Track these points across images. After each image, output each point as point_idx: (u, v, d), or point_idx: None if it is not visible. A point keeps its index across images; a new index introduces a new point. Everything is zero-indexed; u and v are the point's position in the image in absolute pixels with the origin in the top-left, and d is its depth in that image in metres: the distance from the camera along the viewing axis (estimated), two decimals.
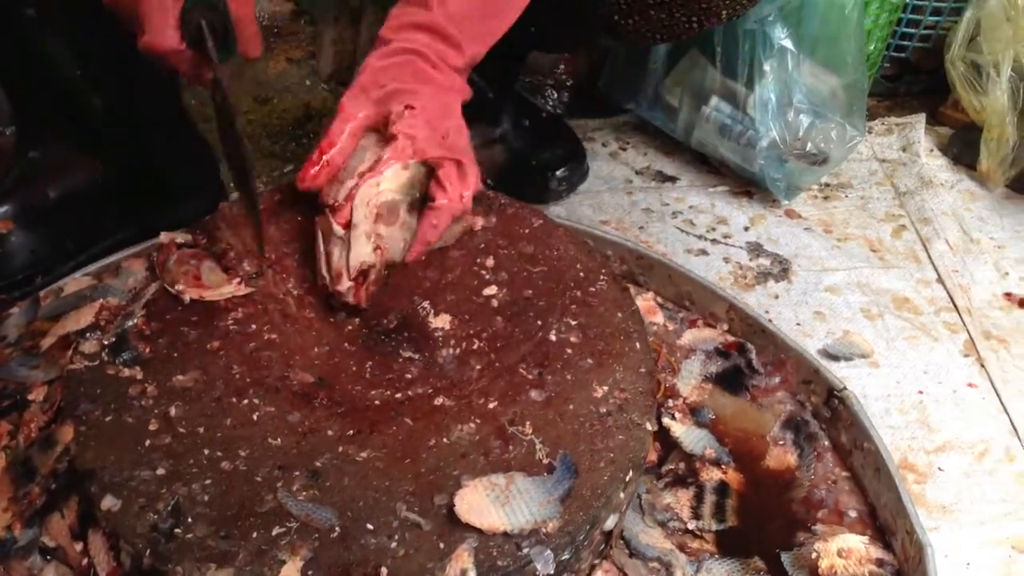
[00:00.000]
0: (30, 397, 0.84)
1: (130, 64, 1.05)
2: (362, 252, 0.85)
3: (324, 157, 0.87)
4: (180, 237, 0.93)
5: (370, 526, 0.70)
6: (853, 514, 0.86)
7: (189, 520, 0.70)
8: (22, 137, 1.08)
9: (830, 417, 0.93)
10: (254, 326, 0.87)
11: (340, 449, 0.76)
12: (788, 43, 1.23)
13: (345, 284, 0.85)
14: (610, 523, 0.77)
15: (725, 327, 1.03)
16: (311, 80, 1.57)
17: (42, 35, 0.99)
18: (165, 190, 1.16)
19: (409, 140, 0.87)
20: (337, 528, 0.70)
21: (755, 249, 1.25)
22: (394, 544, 0.69)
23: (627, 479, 0.76)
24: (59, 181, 1.08)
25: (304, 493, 0.72)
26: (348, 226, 0.85)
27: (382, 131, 0.90)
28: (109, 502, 0.71)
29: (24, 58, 1.01)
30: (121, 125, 1.08)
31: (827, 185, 1.37)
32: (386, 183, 0.86)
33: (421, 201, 0.90)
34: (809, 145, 1.26)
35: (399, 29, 0.91)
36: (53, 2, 0.97)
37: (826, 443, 0.92)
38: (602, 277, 0.94)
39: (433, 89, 0.90)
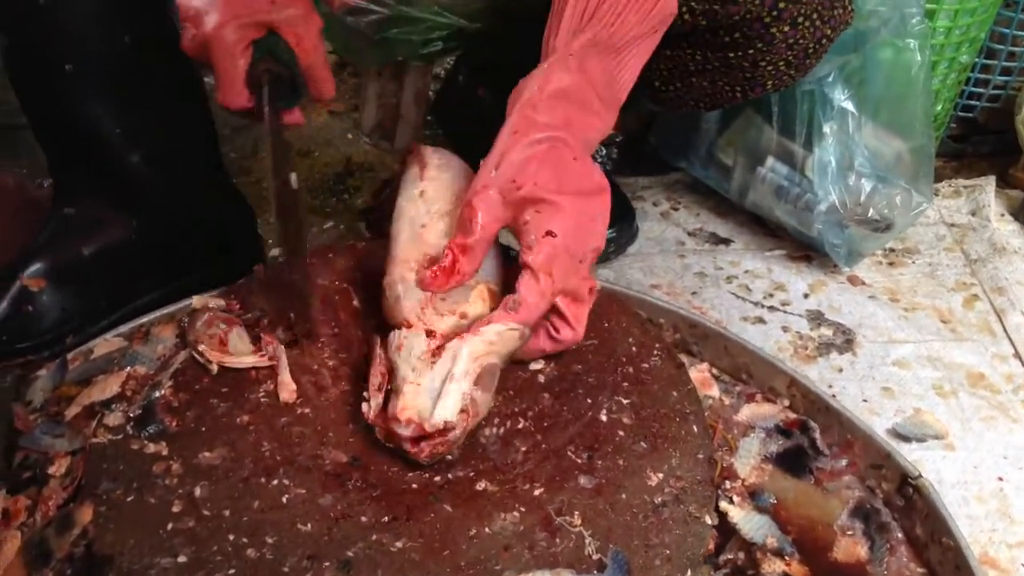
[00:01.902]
0: (51, 470, 0.80)
1: (168, 120, 1.04)
2: (450, 409, 0.75)
3: (458, 267, 0.81)
4: (212, 302, 0.89)
5: None
6: None
7: None
8: (57, 192, 1.06)
9: (903, 506, 0.87)
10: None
11: (374, 537, 0.71)
12: (849, 104, 1.18)
13: (409, 417, 0.75)
14: None
15: (786, 403, 0.98)
16: (353, 133, 1.55)
17: (80, 91, 0.97)
18: (202, 248, 1.13)
19: (547, 281, 0.79)
20: None
21: (816, 318, 1.19)
22: None
23: None
24: (93, 238, 1.05)
25: None
26: (433, 356, 0.78)
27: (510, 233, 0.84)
28: None
29: (61, 113, 0.99)
30: (158, 182, 1.05)
31: (892, 250, 1.32)
32: (500, 343, 0.79)
33: None
34: (871, 211, 1.22)
35: (546, 98, 0.82)
36: (92, 59, 0.95)
37: (899, 535, 0.86)
38: (656, 352, 0.90)
39: (574, 199, 0.81)
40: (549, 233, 0.79)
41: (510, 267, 0.86)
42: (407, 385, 0.76)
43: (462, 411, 0.75)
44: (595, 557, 0.70)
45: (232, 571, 0.68)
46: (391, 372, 0.79)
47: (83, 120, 0.99)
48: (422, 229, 0.86)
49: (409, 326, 0.80)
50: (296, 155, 1.47)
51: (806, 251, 1.30)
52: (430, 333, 0.79)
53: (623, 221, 1.28)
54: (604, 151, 1.50)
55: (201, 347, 0.84)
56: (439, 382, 0.76)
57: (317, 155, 1.49)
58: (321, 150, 1.50)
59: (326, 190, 1.42)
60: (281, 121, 0.87)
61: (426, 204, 0.88)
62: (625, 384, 0.86)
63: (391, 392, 0.78)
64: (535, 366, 0.88)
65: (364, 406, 0.78)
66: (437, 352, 0.78)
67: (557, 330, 0.84)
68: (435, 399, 0.75)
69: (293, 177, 0.87)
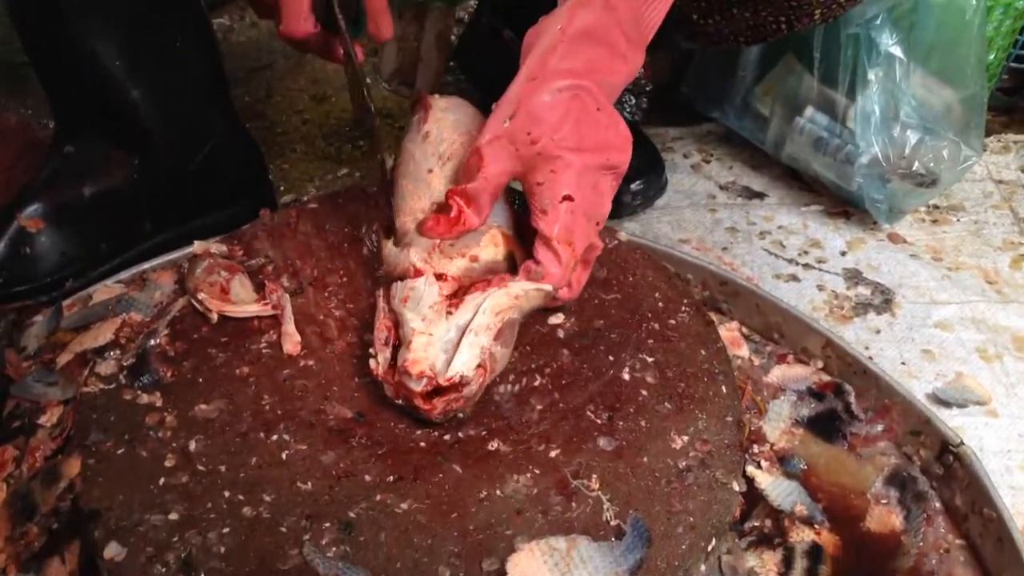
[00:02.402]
0: (41, 420, 0.77)
1: (172, 56, 1.00)
2: (467, 362, 0.70)
3: (463, 219, 0.75)
4: (215, 247, 0.85)
5: None
6: None
7: None
8: (58, 130, 1.03)
9: (943, 475, 0.84)
10: None
11: (378, 498, 0.68)
12: (897, 50, 1.12)
13: (421, 369, 0.70)
14: None
15: (819, 364, 0.94)
16: (372, 78, 1.50)
17: (79, 23, 0.93)
18: (209, 192, 1.09)
19: (568, 252, 0.75)
20: None
21: (853, 276, 1.14)
22: None
23: (709, 548, 0.68)
24: (94, 179, 1.01)
25: (334, 549, 0.65)
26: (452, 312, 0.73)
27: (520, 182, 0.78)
28: (114, 550, 0.64)
29: (60, 46, 0.95)
30: (160, 120, 1.01)
31: (935, 207, 1.26)
32: (524, 299, 0.75)
33: None
34: (916, 164, 1.16)
35: (569, 42, 0.76)
36: None
37: (937, 505, 0.83)
38: (684, 308, 0.86)
39: (595, 155, 0.76)
40: (567, 198, 0.74)
41: (517, 210, 0.82)
42: (417, 336, 0.71)
43: (479, 366, 0.71)
44: (613, 523, 0.67)
45: (226, 530, 0.65)
46: (397, 324, 0.75)
47: (82, 54, 0.95)
48: (428, 175, 0.80)
49: (417, 273, 0.75)
50: (312, 101, 1.43)
51: (844, 207, 1.25)
52: (440, 276, 0.74)
53: (651, 173, 1.23)
54: (633, 100, 1.45)
55: (201, 295, 0.80)
56: (454, 333, 0.71)
57: (334, 100, 1.45)
58: (338, 95, 1.46)
59: (342, 136, 1.38)
60: (354, 43, 0.83)
61: (431, 146, 0.82)
62: (650, 341, 0.83)
63: (398, 346, 0.73)
64: (554, 320, 0.84)
65: (371, 362, 0.74)
66: (451, 299, 0.73)
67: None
68: (449, 351, 0.71)
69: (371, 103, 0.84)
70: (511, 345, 0.76)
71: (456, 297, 0.74)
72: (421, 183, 0.80)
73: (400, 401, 0.72)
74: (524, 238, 0.80)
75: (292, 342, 0.79)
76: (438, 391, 0.70)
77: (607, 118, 0.77)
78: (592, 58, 0.76)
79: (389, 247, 0.79)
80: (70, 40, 0.94)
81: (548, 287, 0.75)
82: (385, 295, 0.77)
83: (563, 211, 0.74)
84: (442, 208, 0.76)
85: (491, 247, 0.78)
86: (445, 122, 0.84)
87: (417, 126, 0.86)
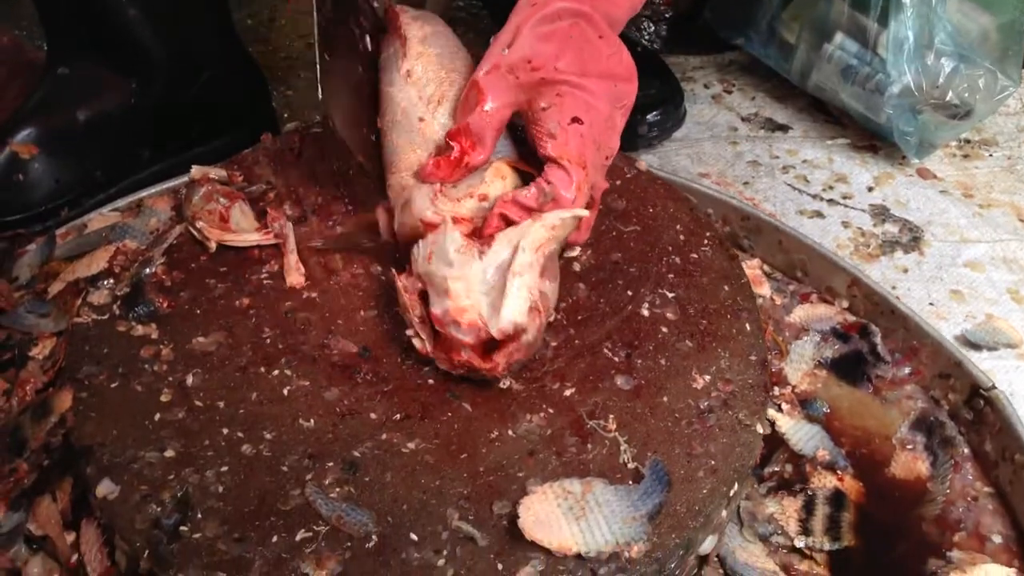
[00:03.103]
0: (33, 352, 0.74)
1: None
2: (519, 308, 0.65)
3: (466, 158, 0.71)
4: (214, 173, 0.82)
5: (414, 536, 0.61)
6: (998, 539, 0.75)
7: (198, 516, 0.61)
8: (51, 51, 0.99)
9: (972, 420, 0.82)
10: None
11: (384, 437, 0.67)
12: None
13: (472, 320, 0.65)
14: (707, 546, 0.67)
15: (844, 304, 0.92)
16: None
17: None
18: (209, 118, 1.05)
19: (581, 174, 0.70)
20: (374, 536, 0.61)
21: (880, 213, 1.10)
22: (441, 561, 0.59)
23: (731, 494, 0.66)
24: (89, 102, 0.97)
25: (337, 489, 0.63)
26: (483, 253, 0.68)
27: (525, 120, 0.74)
28: (106, 488, 0.63)
29: None
30: (158, 41, 0.97)
31: (967, 141, 1.22)
32: (559, 228, 0.69)
33: None
34: (950, 95, 1.11)
35: None
36: None
37: (966, 451, 0.81)
38: (706, 241, 0.84)
39: (600, 83, 0.73)
40: (576, 120, 0.70)
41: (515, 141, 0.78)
42: (453, 282, 0.66)
43: (532, 308, 0.66)
44: (631, 466, 0.66)
45: (224, 468, 0.64)
46: (427, 286, 0.69)
47: None
48: (420, 124, 0.75)
49: (431, 227, 0.70)
50: (307, 48, 1.38)
51: (871, 140, 1.21)
52: (457, 220, 0.70)
53: (670, 103, 1.19)
54: (652, 28, 1.41)
55: (199, 223, 0.77)
56: (492, 273, 0.67)
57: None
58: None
59: None
60: None
61: (417, 88, 0.77)
62: (670, 276, 0.80)
63: (432, 304, 0.69)
64: (570, 253, 0.82)
65: (416, 342, 0.69)
66: (475, 237, 0.69)
67: None
68: (492, 295, 0.66)
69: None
70: (557, 279, 0.71)
71: (474, 237, 0.69)
72: (413, 134, 0.75)
73: (460, 371, 0.68)
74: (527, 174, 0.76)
75: (296, 274, 0.76)
76: (494, 344, 0.66)
77: (609, 47, 0.74)
78: None
79: (395, 210, 0.74)
80: None
81: (583, 212, 0.70)
82: (407, 272, 0.72)
83: (572, 133, 0.70)
84: (442, 150, 0.73)
85: (498, 181, 0.73)
86: (428, 57, 0.79)
87: (395, 62, 0.80)
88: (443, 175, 0.72)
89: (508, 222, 0.70)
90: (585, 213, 0.71)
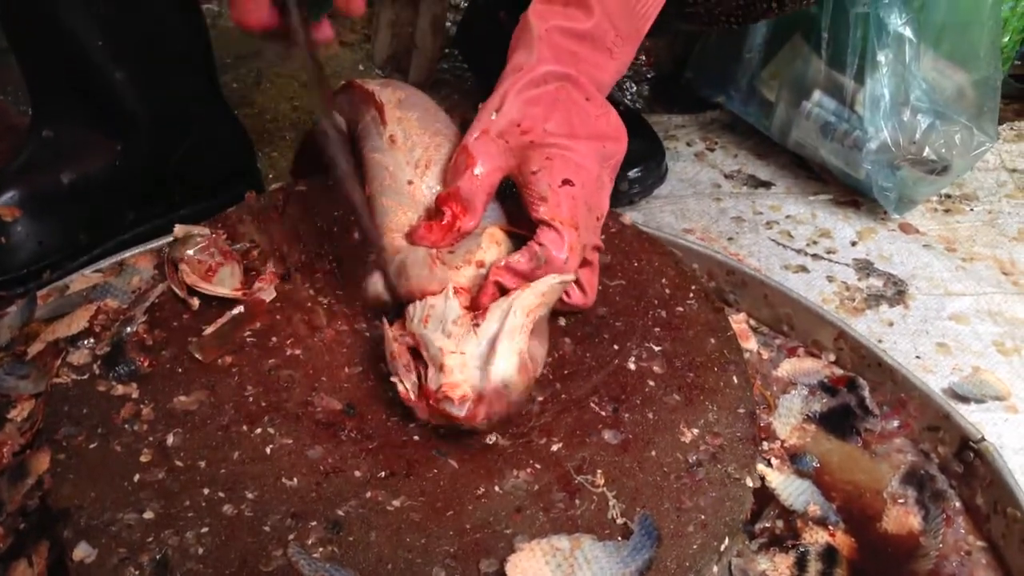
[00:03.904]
0: (12, 414, 0.73)
1: (158, 36, 0.97)
2: (509, 365, 0.66)
3: (458, 223, 0.71)
4: (197, 231, 0.81)
5: None
6: None
7: None
8: (35, 113, 0.99)
9: (962, 472, 0.81)
10: (275, 339, 0.77)
11: (368, 495, 0.66)
12: (907, 31, 1.09)
13: (463, 393, 0.65)
14: None
15: (831, 358, 0.92)
16: (365, 65, 1.48)
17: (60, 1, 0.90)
18: (194, 180, 1.05)
19: (574, 236, 0.70)
20: None
21: (864, 267, 1.11)
22: None
23: (722, 548, 0.65)
24: (74, 164, 0.97)
25: (321, 549, 0.62)
26: (478, 324, 0.68)
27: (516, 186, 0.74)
28: (83, 551, 0.61)
29: (39, 22, 0.92)
30: (144, 103, 0.98)
31: (948, 196, 1.24)
32: (549, 293, 0.70)
33: None
34: (927, 150, 1.13)
35: (553, 34, 0.74)
36: None
37: (957, 504, 0.81)
38: (691, 295, 0.84)
39: (589, 144, 0.74)
40: (567, 182, 0.71)
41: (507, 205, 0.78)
42: (449, 356, 0.67)
43: (521, 368, 0.67)
44: (620, 521, 0.65)
45: (205, 529, 0.62)
46: (417, 348, 0.69)
47: (62, 30, 0.92)
48: (409, 187, 0.76)
49: (432, 293, 0.70)
50: (303, 88, 1.41)
51: (853, 196, 1.23)
52: (457, 290, 0.70)
53: (651, 160, 1.20)
54: (634, 88, 1.42)
55: (182, 267, 0.76)
56: (486, 346, 0.67)
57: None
58: (330, 82, 1.41)
59: None
60: (313, 38, 0.76)
61: (403, 153, 0.78)
62: (656, 329, 0.80)
63: (424, 368, 0.69)
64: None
65: (400, 388, 0.69)
66: (472, 311, 0.69)
67: (567, 294, 0.76)
68: (485, 362, 0.66)
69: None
70: (546, 344, 0.72)
71: (471, 308, 0.70)
72: (403, 196, 0.75)
73: (439, 422, 0.68)
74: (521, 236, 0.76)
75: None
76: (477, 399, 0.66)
77: (596, 109, 0.75)
78: (577, 51, 0.74)
79: (377, 277, 0.74)
80: (47, 13, 0.91)
81: (570, 276, 0.71)
82: (400, 322, 0.72)
83: (564, 196, 0.70)
84: (433, 215, 0.73)
85: (493, 247, 0.73)
86: (409, 122, 0.80)
87: (375, 129, 0.81)
88: (434, 239, 0.71)
89: (503, 289, 0.70)
90: (572, 277, 0.71)
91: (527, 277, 0.69)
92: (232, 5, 0.71)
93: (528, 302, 0.68)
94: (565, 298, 0.75)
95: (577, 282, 0.75)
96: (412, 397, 0.68)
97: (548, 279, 0.69)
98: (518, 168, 0.73)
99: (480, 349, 0.67)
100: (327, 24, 0.77)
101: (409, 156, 0.77)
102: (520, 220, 0.75)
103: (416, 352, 0.69)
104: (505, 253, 0.73)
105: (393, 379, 0.69)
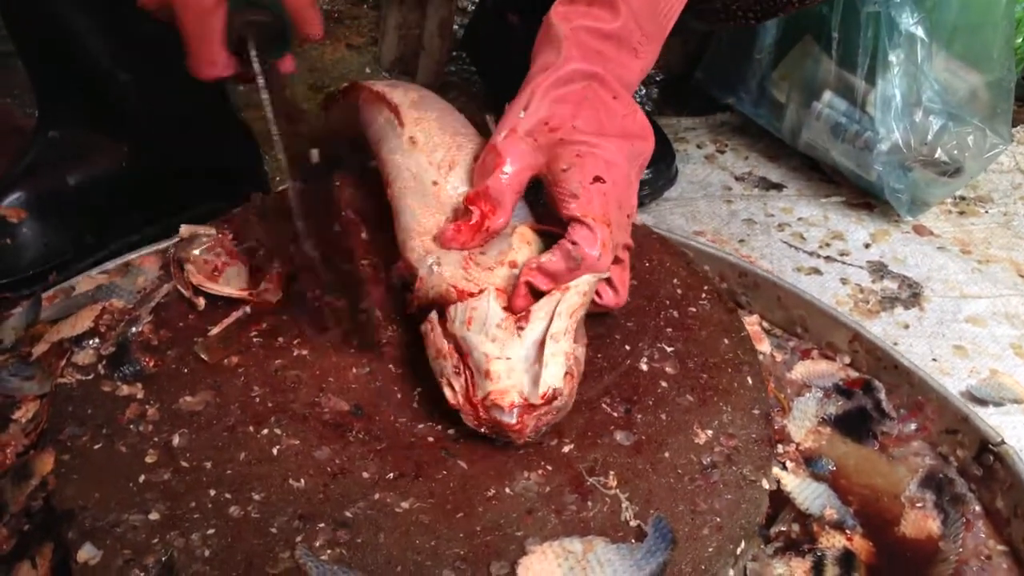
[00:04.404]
0: (15, 415, 0.73)
1: (163, 38, 0.95)
2: (558, 374, 0.65)
3: (487, 223, 0.71)
4: (203, 231, 0.80)
5: None
6: None
7: None
8: (41, 114, 0.99)
9: (982, 476, 0.80)
10: (281, 339, 0.76)
11: (377, 496, 0.65)
12: (919, 30, 1.08)
13: (512, 400, 0.64)
14: None
15: (846, 360, 0.91)
16: (372, 68, 1.47)
17: (64, 2, 0.89)
18: (200, 182, 1.04)
19: (606, 232, 0.69)
20: None
21: (878, 269, 1.10)
22: None
23: (737, 552, 0.65)
24: (79, 166, 0.97)
25: (329, 551, 0.61)
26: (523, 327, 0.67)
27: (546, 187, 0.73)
28: (88, 553, 0.60)
29: (45, 25, 0.91)
30: (151, 105, 0.97)
31: (962, 198, 1.23)
32: (589, 293, 0.69)
33: None
34: (939, 152, 1.12)
35: (579, 33, 0.74)
36: None
37: (977, 508, 0.80)
38: (704, 295, 0.83)
39: (617, 142, 0.72)
40: (598, 179, 0.69)
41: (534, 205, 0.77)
42: (495, 363, 0.65)
43: (567, 373, 0.66)
44: (633, 524, 0.64)
45: (211, 531, 0.62)
46: (463, 349, 0.68)
47: (67, 32, 0.92)
48: (434, 188, 0.75)
49: (469, 294, 0.69)
50: (310, 90, 1.39)
51: (866, 198, 1.22)
52: (500, 293, 0.69)
53: (661, 162, 1.19)
54: (643, 90, 1.42)
55: (187, 266, 0.76)
56: (531, 348, 0.66)
57: (332, 89, 1.40)
58: (336, 84, 1.42)
59: None
60: (279, 77, 0.77)
61: (425, 155, 0.77)
62: (669, 330, 0.80)
63: (470, 370, 0.67)
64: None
65: (447, 392, 0.68)
66: (514, 313, 0.68)
67: (599, 295, 0.74)
68: (533, 368, 0.65)
69: (314, 153, 0.79)
70: (586, 343, 0.71)
71: (509, 310, 0.68)
72: (429, 197, 0.75)
73: (484, 430, 0.67)
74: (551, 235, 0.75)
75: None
76: (527, 407, 0.65)
77: (624, 108, 0.74)
78: (603, 50, 0.73)
79: (421, 275, 0.73)
80: (53, 16, 0.90)
81: (605, 274, 0.70)
82: (441, 322, 0.70)
83: (595, 192, 0.69)
84: (461, 215, 0.72)
85: (524, 247, 0.72)
86: (428, 123, 0.79)
87: (392, 131, 0.80)
88: (464, 240, 0.71)
89: (535, 290, 0.69)
90: (606, 274, 0.70)
91: (559, 278, 0.68)
92: (189, 57, 0.73)
93: (572, 302, 0.67)
94: (597, 299, 0.74)
95: (609, 281, 0.74)
96: (460, 401, 0.67)
97: (587, 278, 0.68)
98: (547, 166, 0.72)
99: (526, 352, 0.66)
100: (289, 59, 0.78)
101: (432, 157, 0.77)
102: (549, 220, 0.74)
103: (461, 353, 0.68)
104: (536, 253, 0.72)
105: (440, 380, 0.68)
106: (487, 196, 0.70)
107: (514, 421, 0.64)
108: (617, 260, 0.74)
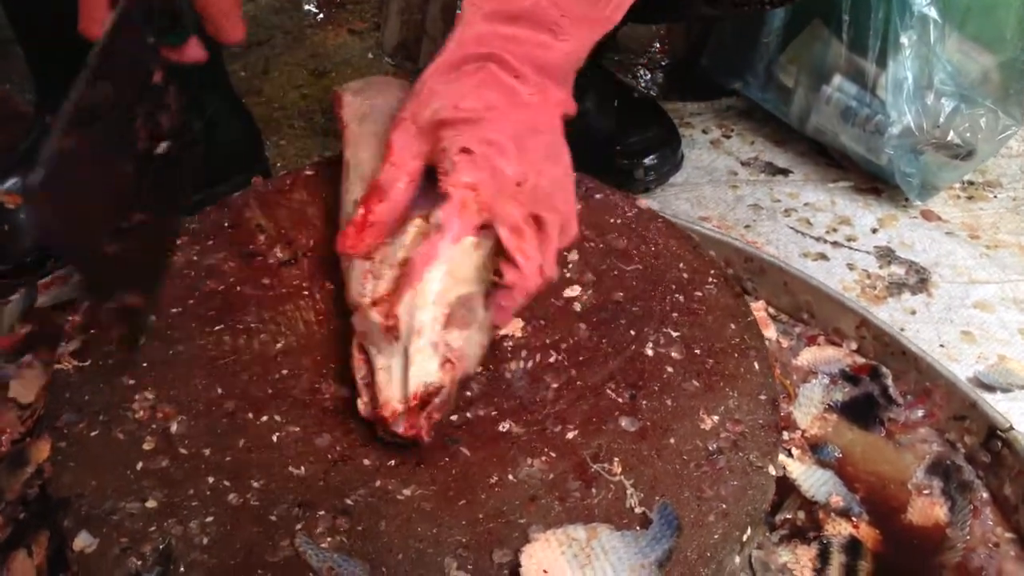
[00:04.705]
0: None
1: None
2: (425, 370, 0.64)
3: (370, 217, 0.68)
4: None
5: None
6: None
7: (181, 569, 0.59)
8: (39, 98, 0.98)
9: (990, 462, 0.80)
10: (282, 325, 0.75)
11: (378, 483, 0.64)
12: (932, 11, 1.06)
13: (393, 409, 0.64)
14: None
15: (853, 346, 0.90)
16: (374, 53, 1.46)
17: None
18: (200, 167, 1.01)
19: (468, 197, 0.66)
20: None
21: (886, 255, 1.09)
22: None
23: (744, 539, 0.64)
24: None
25: (329, 539, 0.61)
26: (396, 332, 0.65)
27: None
28: (84, 541, 0.60)
29: (42, 8, 0.91)
30: None
31: (970, 183, 1.21)
32: (456, 269, 0.66)
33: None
34: (951, 135, 1.10)
35: (479, 16, 0.70)
36: None
37: (984, 495, 0.79)
38: (711, 279, 0.82)
39: (506, 112, 0.69)
40: (464, 151, 0.66)
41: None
42: (379, 374, 0.65)
43: (444, 363, 0.64)
44: (638, 511, 0.63)
45: (210, 519, 0.61)
46: (369, 369, 0.67)
47: (65, 14, 0.89)
48: (355, 206, 0.72)
49: (362, 307, 0.67)
50: (311, 76, 1.38)
51: (874, 183, 1.20)
52: (375, 303, 0.66)
53: (667, 147, 1.18)
54: (649, 75, 1.40)
55: None
56: (402, 352, 0.65)
57: (334, 75, 1.41)
58: (339, 70, 1.42)
59: None
60: (165, 58, 0.73)
61: (354, 172, 0.76)
62: (674, 314, 0.78)
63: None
64: (569, 293, 0.79)
65: (359, 404, 0.67)
66: (389, 320, 0.65)
67: (501, 274, 0.68)
68: (404, 371, 0.64)
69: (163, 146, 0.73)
70: (474, 322, 0.67)
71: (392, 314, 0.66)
72: (351, 216, 0.72)
73: (392, 440, 0.66)
74: None
75: None
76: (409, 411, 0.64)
77: (530, 87, 0.70)
78: (510, 33, 0.69)
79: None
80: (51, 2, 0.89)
81: (469, 238, 0.66)
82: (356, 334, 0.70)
83: (463, 161, 0.66)
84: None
85: (420, 241, 0.68)
86: (365, 139, 0.77)
87: (344, 143, 0.79)
88: (351, 243, 0.68)
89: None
90: (469, 238, 0.66)
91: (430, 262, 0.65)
92: (80, 14, 0.71)
93: (431, 290, 0.64)
94: (496, 279, 0.69)
95: (508, 253, 0.68)
96: (366, 413, 0.66)
97: (439, 265, 0.65)
98: (431, 151, 0.69)
99: (399, 357, 0.64)
100: (194, 44, 0.75)
101: (356, 173, 0.75)
102: None
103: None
104: None
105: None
106: (375, 190, 0.68)
107: (401, 430, 0.63)
108: (523, 234, 0.68)
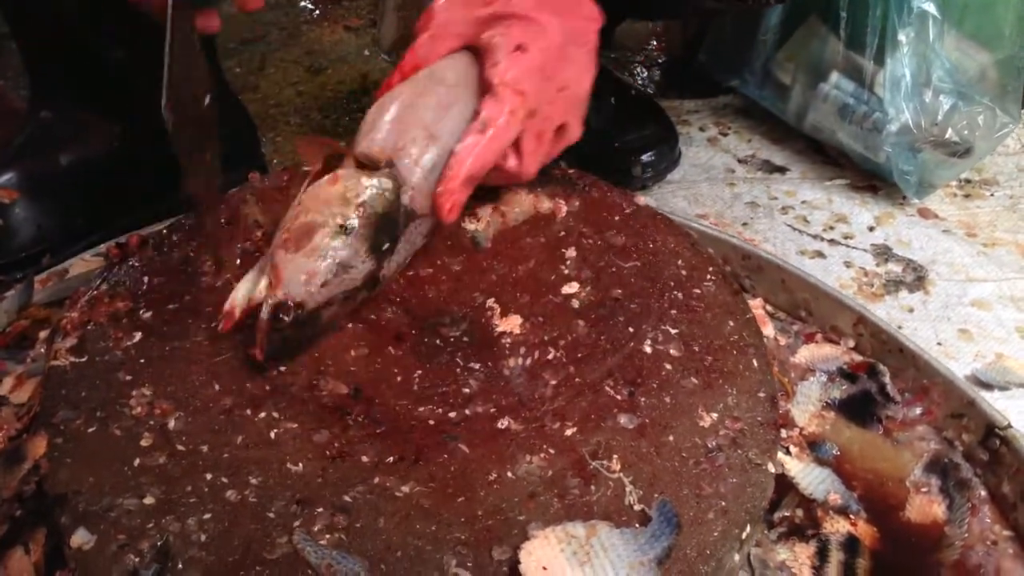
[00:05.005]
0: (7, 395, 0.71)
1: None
2: (240, 291, 0.71)
3: (399, 74, 0.73)
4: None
5: None
6: None
7: (179, 566, 0.58)
8: (33, 94, 0.97)
9: (988, 460, 0.79)
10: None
11: (376, 480, 0.63)
12: (930, 8, 1.07)
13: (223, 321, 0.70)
14: None
15: (850, 344, 0.90)
16: (370, 50, 1.47)
17: None
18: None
19: (517, 103, 0.69)
20: None
21: (883, 253, 1.09)
22: None
23: (743, 536, 0.63)
24: (72, 147, 0.96)
25: (327, 536, 0.60)
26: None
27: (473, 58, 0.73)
28: (81, 537, 0.59)
29: (37, 5, 0.90)
30: (144, 84, 0.93)
31: (967, 181, 1.21)
32: (311, 201, 0.70)
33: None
34: (949, 132, 1.11)
35: None
36: None
37: (983, 493, 0.79)
38: (709, 276, 0.82)
39: (554, 17, 0.72)
40: (520, 48, 0.70)
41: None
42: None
43: (268, 285, 0.68)
44: (637, 508, 0.63)
45: (207, 515, 0.61)
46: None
47: (60, 9, 0.90)
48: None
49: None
50: (307, 72, 1.37)
51: (871, 181, 1.21)
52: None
53: (664, 144, 1.20)
54: (646, 72, 1.40)
55: None
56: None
57: (330, 72, 1.41)
58: (334, 67, 1.42)
59: (339, 108, 1.34)
60: (192, 20, 0.74)
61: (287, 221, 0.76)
62: (673, 311, 0.78)
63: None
64: (568, 290, 0.79)
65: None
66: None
67: (504, 158, 0.74)
68: None
69: (208, 98, 0.76)
70: (306, 245, 0.69)
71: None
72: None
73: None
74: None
75: None
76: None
77: None
78: None
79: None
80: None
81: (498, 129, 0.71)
82: None
83: (514, 60, 0.70)
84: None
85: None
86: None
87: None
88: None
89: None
90: (351, 174, 0.70)
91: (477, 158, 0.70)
92: None
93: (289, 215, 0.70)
94: (501, 162, 0.73)
95: (517, 147, 0.73)
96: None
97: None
98: (475, 37, 0.72)
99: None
100: (215, 14, 0.77)
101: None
102: None
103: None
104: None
105: None
106: (412, 57, 0.72)
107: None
108: (542, 134, 0.73)
